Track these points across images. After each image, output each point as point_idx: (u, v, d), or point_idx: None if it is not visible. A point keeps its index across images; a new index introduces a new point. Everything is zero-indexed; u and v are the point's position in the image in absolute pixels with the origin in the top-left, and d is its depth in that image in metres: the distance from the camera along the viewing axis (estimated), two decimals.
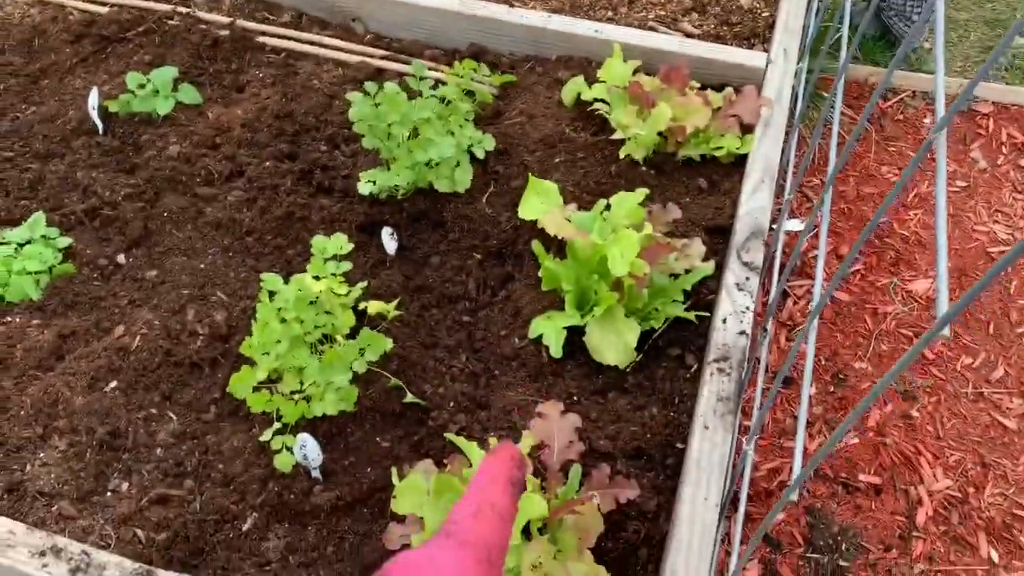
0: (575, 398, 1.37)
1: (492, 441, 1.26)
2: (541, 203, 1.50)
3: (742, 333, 1.36)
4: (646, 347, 1.42)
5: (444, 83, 1.76)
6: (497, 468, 0.50)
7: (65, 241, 1.54)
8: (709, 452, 1.24)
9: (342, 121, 1.79)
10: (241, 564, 1.20)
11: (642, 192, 1.45)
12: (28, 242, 1.51)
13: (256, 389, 1.31)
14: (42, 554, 1.12)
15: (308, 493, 1.27)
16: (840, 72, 1.19)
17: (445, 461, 1.27)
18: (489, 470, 0.50)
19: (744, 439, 1.40)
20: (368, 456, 1.32)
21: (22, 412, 1.34)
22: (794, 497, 0.93)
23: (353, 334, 1.38)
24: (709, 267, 1.45)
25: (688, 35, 1.90)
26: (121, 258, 1.56)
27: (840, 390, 1.89)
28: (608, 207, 1.48)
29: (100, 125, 1.73)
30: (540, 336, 1.41)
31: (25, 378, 1.38)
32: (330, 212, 1.62)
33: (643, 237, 1.41)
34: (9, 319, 1.46)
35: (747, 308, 1.39)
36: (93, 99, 1.72)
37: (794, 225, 1.87)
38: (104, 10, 1.96)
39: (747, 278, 1.43)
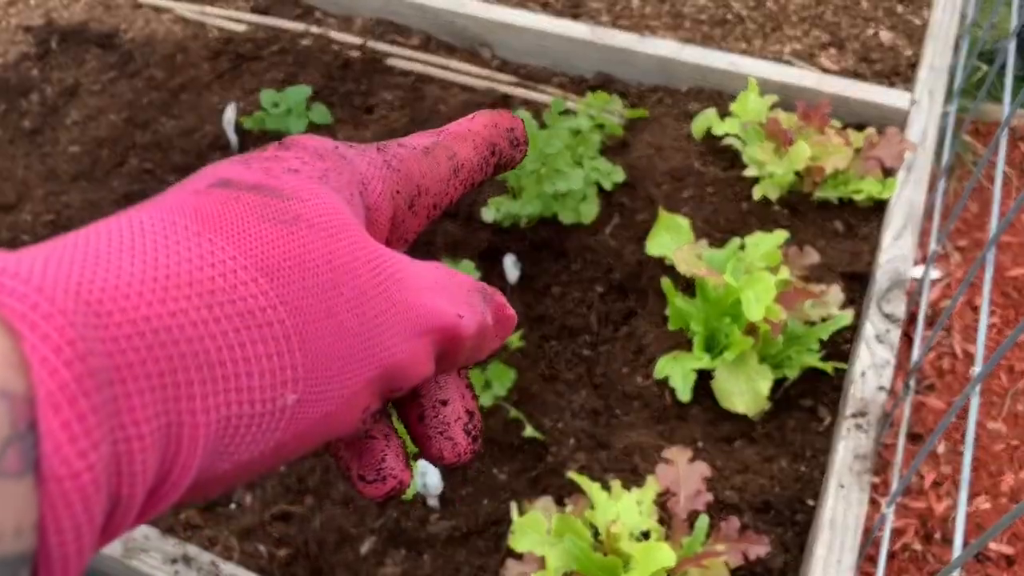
0: (699, 444, 1.33)
1: (614, 484, 1.23)
2: (671, 239, 1.46)
3: (881, 388, 1.29)
4: (776, 396, 1.36)
5: (572, 111, 1.75)
6: (485, 124, 0.39)
7: None
8: (844, 512, 1.18)
9: None
10: None
11: (781, 234, 1.40)
12: None
13: None
14: (174, 561, 1.14)
15: (425, 521, 1.27)
16: (971, 114, 1.12)
17: (565, 500, 1.24)
18: (474, 122, 0.39)
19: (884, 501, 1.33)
20: (485, 488, 1.31)
21: None
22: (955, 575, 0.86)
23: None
24: (847, 316, 1.38)
25: (825, 71, 1.84)
26: None
27: (971, 451, 1.78)
28: (743, 247, 1.44)
29: (234, 140, 1.78)
30: (664, 377, 1.37)
31: None
32: (454, 237, 1.62)
33: (780, 281, 1.36)
34: None
35: (887, 362, 1.32)
36: (230, 115, 1.77)
37: (920, 273, 1.78)
38: (241, 28, 2.03)
39: (887, 330, 1.36)
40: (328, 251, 0.29)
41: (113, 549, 1.15)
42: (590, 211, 1.54)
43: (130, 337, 0.22)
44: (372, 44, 1.97)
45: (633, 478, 1.29)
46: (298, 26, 2.01)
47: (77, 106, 1.91)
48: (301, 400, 0.27)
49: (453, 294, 0.33)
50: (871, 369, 1.31)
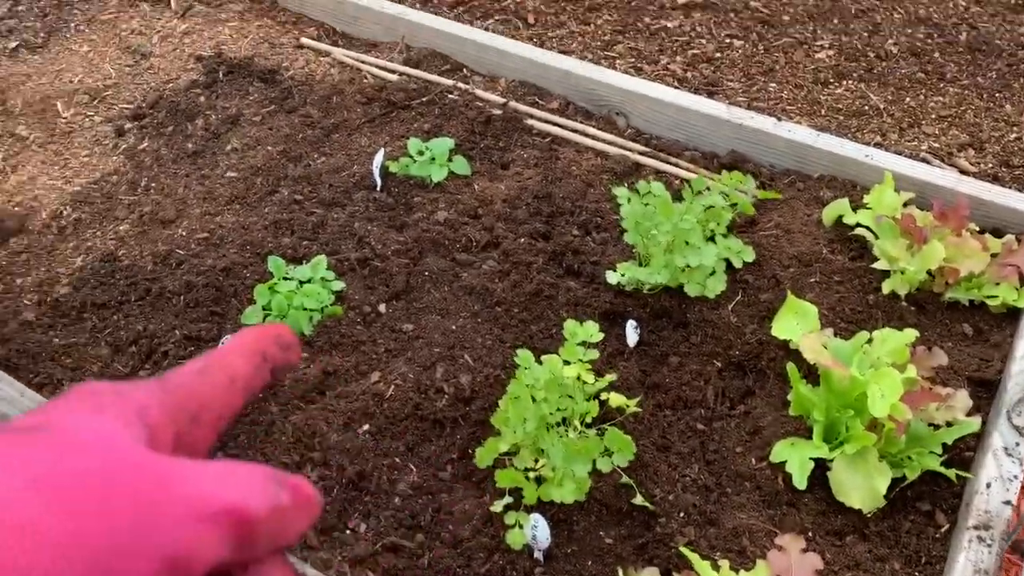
0: (810, 534, 1.32)
1: (723, 563, 1.23)
2: (797, 323, 1.48)
3: (1007, 503, 1.27)
4: (893, 495, 1.35)
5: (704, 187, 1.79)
6: (252, 338, 0.45)
7: (339, 285, 1.67)
8: None
9: (596, 208, 1.85)
10: None
11: (911, 333, 1.40)
12: (309, 281, 1.66)
13: (498, 462, 1.36)
14: None
15: (529, 574, 1.30)
16: None
17: (673, 573, 1.26)
18: (242, 338, 0.45)
19: None
20: (591, 549, 1.33)
21: (283, 438, 1.45)
22: None
23: (592, 423, 1.41)
24: (974, 424, 1.36)
25: (963, 172, 1.83)
26: (383, 307, 1.68)
27: None
28: (870, 340, 1.44)
29: (379, 182, 1.89)
30: (781, 461, 1.37)
31: (290, 406, 1.50)
32: (576, 295, 1.67)
33: (906, 380, 1.35)
34: None
35: (1015, 476, 1.29)
36: (379, 158, 1.88)
37: None
38: (394, 78, 2.16)
39: (1017, 443, 1.33)
40: (99, 463, 0.32)
41: None
42: (717, 286, 1.57)
43: None
44: (514, 104, 2.07)
45: (740, 560, 1.29)
46: (446, 81, 2.12)
47: (238, 134, 2.06)
48: None
49: (238, 483, 0.37)
50: (997, 481, 1.28)
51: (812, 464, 1.34)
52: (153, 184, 1.98)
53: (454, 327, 1.64)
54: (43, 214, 1.95)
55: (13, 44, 2.49)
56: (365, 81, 2.17)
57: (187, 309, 1.67)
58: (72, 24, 2.56)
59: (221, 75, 2.24)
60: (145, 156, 2.06)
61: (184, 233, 1.85)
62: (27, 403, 1.44)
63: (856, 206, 1.73)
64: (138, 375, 1.58)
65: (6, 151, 2.13)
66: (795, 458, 1.35)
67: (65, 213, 1.94)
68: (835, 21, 2.23)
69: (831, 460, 1.35)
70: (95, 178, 2.02)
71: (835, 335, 1.53)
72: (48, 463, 0.31)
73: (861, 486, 1.32)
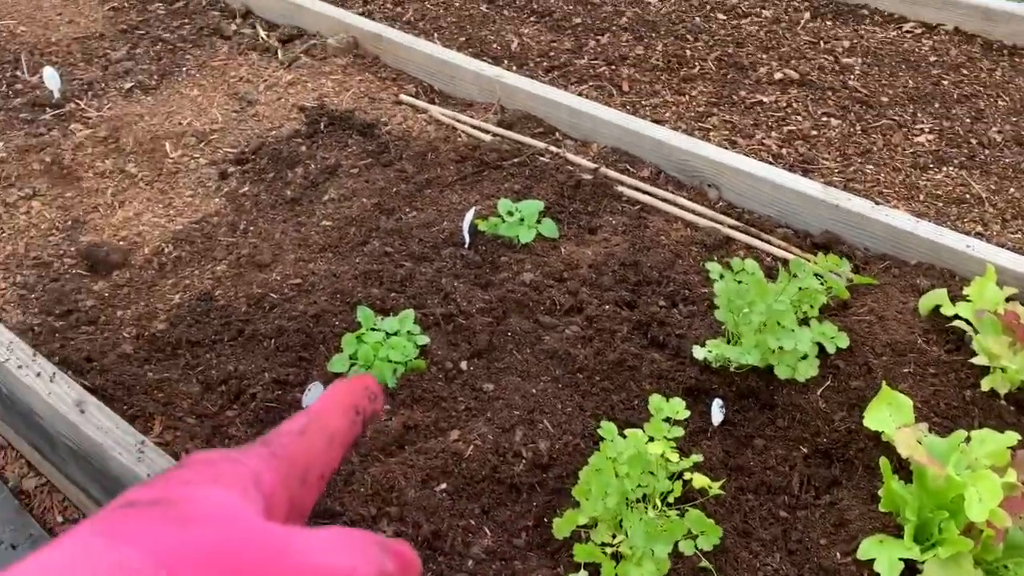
0: None
1: None
2: (891, 416, 1.43)
3: None
4: None
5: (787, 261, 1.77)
6: (344, 393, 0.46)
7: (423, 339, 1.70)
8: None
9: (684, 280, 1.84)
10: None
11: (1013, 436, 1.35)
12: (395, 333, 1.68)
13: (575, 534, 1.34)
14: None
15: None
16: None
17: None
18: (334, 393, 0.46)
19: None
20: None
21: (362, 489, 1.47)
22: None
23: (673, 502, 1.38)
24: None
25: None
26: (464, 365, 1.69)
27: None
28: (968, 439, 1.38)
29: (468, 240, 1.92)
30: (869, 559, 1.32)
31: (370, 458, 1.52)
32: (659, 367, 1.66)
33: (1006, 484, 1.29)
34: None
35: None
36: (469, 216, 1.91)
37: None
38: (487, 138, 2.20)
39: None
40: (219, 539, 0.34)
41: None
42: (808, 371, 1.54)
43: None
44: (604, 170, 2.09)
45: None
46: (539, 144, 2.16)
47: (335, 185, 2.12)
48: None
49: (348, 550, 0.38)
50: None
51: (902, 565, 1.29)
52: (251, 228, 2.05)
53: (534, 390, 1.64)
54: (145, 250, 2.04)
55: (128, 85, 2.63)
56: (460, 140, 2.22)
57: (277, 353, 1.71)
58: (184, 68, 2.69)
59: (322, 126, 2.32)
60: (245, 200, 2.14)
61: (278, 278, 1.90)
62: (121, 434, 1.49)
63: (955, 297, 1.68)
64: (225, 414, 1.62)
65: (115, 187, 2.23)
66: (884, 557, 1.30)
67: (166, 250, 2.02)
68: (936, 105, 2.20)
69: (922, 562, 1.30)
70: (196, 218, 2.11)
71: (929, 430, 1.47)
72: (175, 541, 0.33)
73: None
